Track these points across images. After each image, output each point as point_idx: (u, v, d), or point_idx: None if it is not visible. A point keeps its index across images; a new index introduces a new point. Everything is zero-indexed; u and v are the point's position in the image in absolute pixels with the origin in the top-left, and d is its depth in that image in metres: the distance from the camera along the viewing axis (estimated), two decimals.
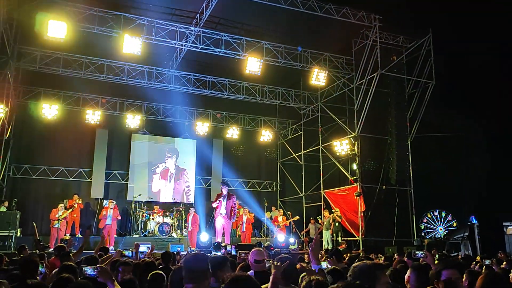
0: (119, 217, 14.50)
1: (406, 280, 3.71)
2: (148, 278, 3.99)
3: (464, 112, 15.88)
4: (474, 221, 15.47)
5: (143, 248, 11.42)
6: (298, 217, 16.91)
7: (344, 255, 7.30)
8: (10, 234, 12.62)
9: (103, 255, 7.86)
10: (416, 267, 3.76)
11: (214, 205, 13.24)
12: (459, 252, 14.72)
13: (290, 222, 16.67)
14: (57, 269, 5.50)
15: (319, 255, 3.72)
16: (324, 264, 4.58)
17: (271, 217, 17.47)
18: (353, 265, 2.55)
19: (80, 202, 14.51)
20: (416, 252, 4.88)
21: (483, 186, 15.40)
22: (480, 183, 15.71)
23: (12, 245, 12.43)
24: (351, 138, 15.34)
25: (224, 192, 12.93)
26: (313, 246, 3.71)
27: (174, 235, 15.39)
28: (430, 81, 15.18)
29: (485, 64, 14.80)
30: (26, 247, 9.14)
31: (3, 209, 13.60)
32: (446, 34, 14.87)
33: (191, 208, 15.43)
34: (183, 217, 16.02)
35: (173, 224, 15.71)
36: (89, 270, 3.45)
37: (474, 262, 7.65)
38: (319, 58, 15.65)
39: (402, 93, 15.80)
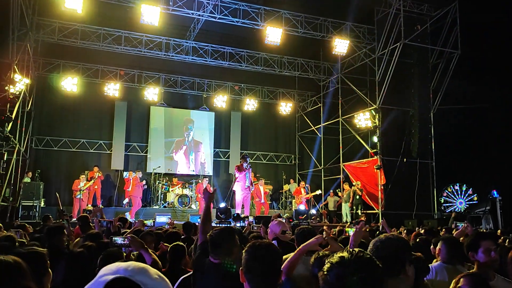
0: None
1: (437, 252, 3.68)
2: (169, 249, 4.00)
3: (489, 83, 15.37)
4: (496, 195, 15.20)
5: (162, 219, 11.65)
6: (320, 192, 16.82)
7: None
8: (35, 204, 12.95)
9: (121, 225, 7.99)
10: (447, 240, 3.70)
11: (239, 174, 13.08)
12: (480, 226, 14.55)
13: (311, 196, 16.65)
14: (80, 238, 5.60)
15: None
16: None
17: (289, 190, 17.46)
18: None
19: (100, 174, 14.73)
20: (458, 224, 4.79)
21: (506, 160, 15.03)
22: (504, 157, 15.34)
23: (37, 215, 12.77)
24: (372, 110, 15.05)
25: (245, 165, 12.87)
26: (358, 231, 3.54)
27: (193, 206, 15.56)
28: (455, 51, 14.65)
29: None
30: (51, 216, 9.35)
31: (27, 179, 13.91)
32: (472, 2, 14.24)
33: (205, 179, 15.63)
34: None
35: (192, 196, 15.85)
36: (119, 240, 3.46)
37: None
38: (340, 27, 15.21)
39: (425, 63, 15.33)
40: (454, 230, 6.34)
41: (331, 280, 1.36)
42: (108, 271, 1.01)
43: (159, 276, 1.05)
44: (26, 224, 7.39)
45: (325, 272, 1.39)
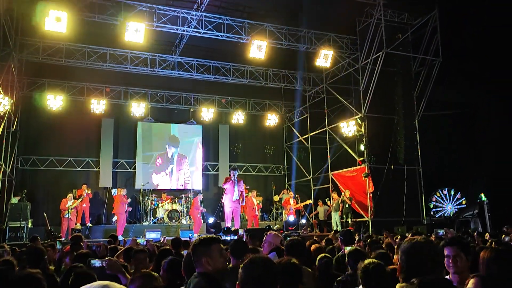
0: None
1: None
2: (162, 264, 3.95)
3: (471, 88, 15.68)
4: (484, 198, 15.41)
5: (152, 235, 11.57)
6: (310, 201, 16.90)
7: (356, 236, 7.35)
8: (22, 225, 12.75)
9: (112, 242, 7.94)
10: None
11: (225, 186, 13.04)
12: (469, 229, 14.70)
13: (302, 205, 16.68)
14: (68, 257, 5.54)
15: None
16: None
17: (280, 200, 17.45)
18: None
19: (89, 191, 14.58)
20: (438, 231, 4.86)
21: (493, 163, 15.29)
22: (490, 160, 15.60)
23: (25, 236, 12.57)
24: (357, 119, 15.20)
25: (233, 177, 12.88)
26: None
27: (183, 221, 15.47)
28: (437, 58, 14.92)
29: (492, 39, 14.56)
30: (39, 237, 9.22)
31: (15, 200, 13.70)
32: (452, 10, 14.57)
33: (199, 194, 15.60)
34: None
35: (182, 211, 15.77)
36: (96, 263, 3.38)
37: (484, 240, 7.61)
38: (323, 38, 15.41)
39: (408, 71, 15.57)
40: (434, 235, 6.34)
41: None
42: None
43: None
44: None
45: None
